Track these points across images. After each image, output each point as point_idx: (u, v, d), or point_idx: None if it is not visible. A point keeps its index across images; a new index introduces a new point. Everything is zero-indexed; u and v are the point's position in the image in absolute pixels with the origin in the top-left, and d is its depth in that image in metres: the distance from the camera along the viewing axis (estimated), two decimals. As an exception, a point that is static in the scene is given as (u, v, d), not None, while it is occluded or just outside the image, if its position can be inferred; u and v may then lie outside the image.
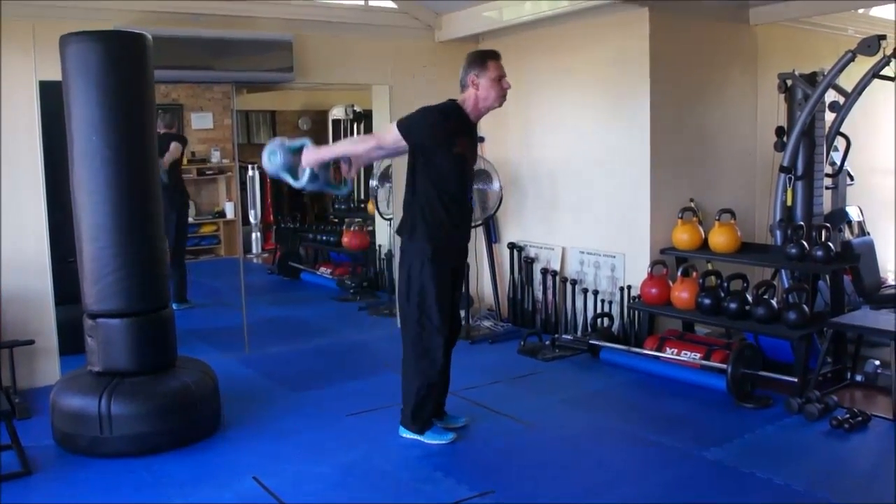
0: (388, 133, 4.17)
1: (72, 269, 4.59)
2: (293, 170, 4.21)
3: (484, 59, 4.21)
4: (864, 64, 5.65)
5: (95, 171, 4.28)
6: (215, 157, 10.11)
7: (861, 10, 7.23)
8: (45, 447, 4.37)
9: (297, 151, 4.19)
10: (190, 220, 8.29)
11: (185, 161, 8.43)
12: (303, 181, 4.22)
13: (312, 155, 4.16)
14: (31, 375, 5.36)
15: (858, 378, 5.25)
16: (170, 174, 7.48)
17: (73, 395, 4.31)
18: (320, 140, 10.19)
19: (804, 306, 5.07)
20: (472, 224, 6.65)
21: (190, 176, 9.34)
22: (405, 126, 4.10)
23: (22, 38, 5.23)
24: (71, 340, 5.27)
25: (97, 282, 4.35)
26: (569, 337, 6.29)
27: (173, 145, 7.63)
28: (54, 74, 4.51)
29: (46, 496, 3.84)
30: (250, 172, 8.96)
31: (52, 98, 4.92)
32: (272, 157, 4.19)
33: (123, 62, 4.31)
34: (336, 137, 10.01)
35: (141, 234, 4.42)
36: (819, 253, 5.27)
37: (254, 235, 9.46)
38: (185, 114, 9.81)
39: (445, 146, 4.14)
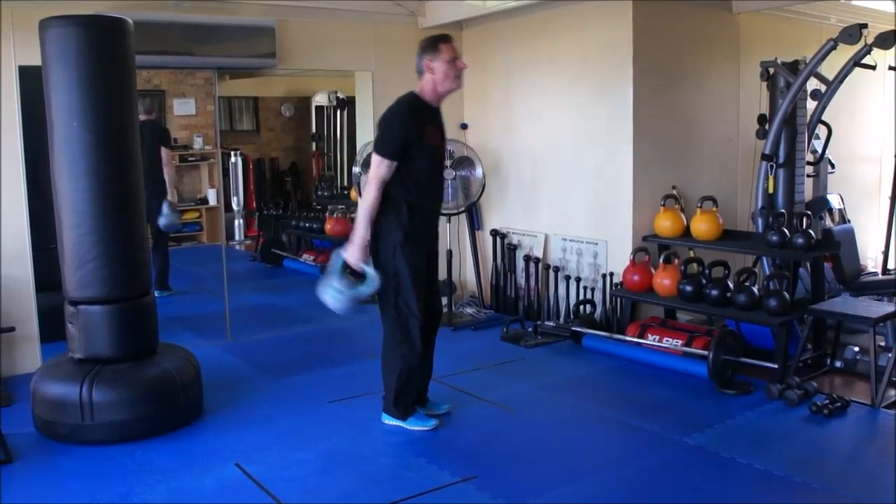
0: (378, 168, 4.11)
1: (52, 256, 4.56)
2: (358, 285, 4.11)
3: (436, 43, 4.22)
4: (845, 52, 5.67)
5: (76, 158, 4.25)
6: (198, 143, 10.03)
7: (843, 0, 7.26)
8: (26, 435, 4.35)
9: (344, 268, 4.11)
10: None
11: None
12: (375, 282, 4.13)
13: (354, 253, 4.10)
14: (11, 363, 5.33)
15: (838, 364, 5.30)
16: (150, 163, 7.43)
17: (54, 383, 4.29)
18: (303, 127, 10.21)
19: (785, 293, 5.11)
20: (456, 211, 6.72)
21: (172, 163, 9.27)
22: (384, 149, 4.11)
23: (0, 22, 5.17)
24: (52, 327, 5.24)
25: (78, 269, 4.33)
26: (551, 324, 6.31)
27: (165, 154, 7.66)
28: (34, 59, 4.46)
29: (27, 484, 3.82)
30: (233, 159, 8.93)
31: (31, 83, 4.88)
32: (337, 296, 4.10)
33: (104, 47, 4.28)
34: (319, 124, 9.98)
35: (122, 221, 4.39)
36: (800, 240, 5.30)
37: (236, 222, 9.42)
38: (167, 100, 9.74)
39: (418, 139, 4.16)
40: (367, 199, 4.11)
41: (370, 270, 4.11)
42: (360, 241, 4.11)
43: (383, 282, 4.23)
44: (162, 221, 7.47)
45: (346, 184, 9.10)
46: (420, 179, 4.19)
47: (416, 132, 4.15)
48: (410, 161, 4.15)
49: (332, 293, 4.11)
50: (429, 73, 4.21)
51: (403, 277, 4.20)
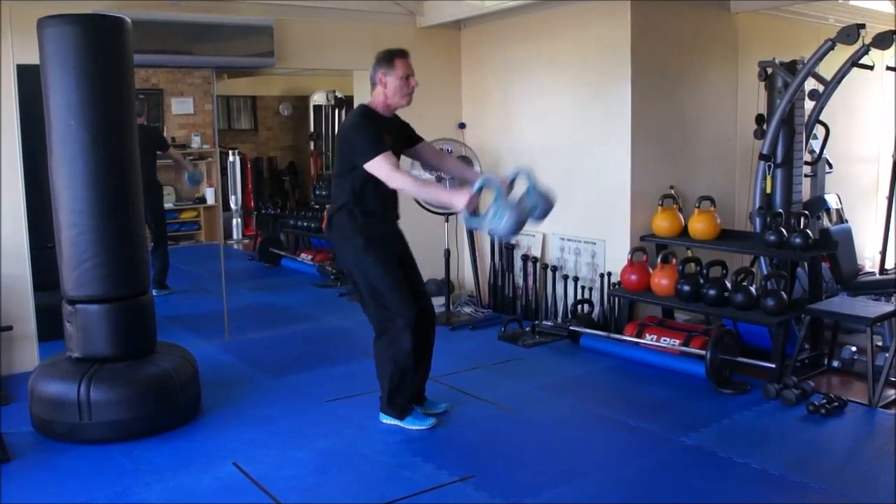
0: (382, 166, 4.05)
1: (50, 254, 4.55)
2: (489, 208, 3.93)
3: (391, 57, 4.23)
4: (843, 53, 5.68)
5: (74, 157, 4.24)
6: (196, 142, 10.03)
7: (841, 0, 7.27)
8: (24, 434, 4.35)
9: (471, 213, 3.99)
10: (170, 205, 8.25)
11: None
12: (487, 179, 4.02)
13: (458, 200, 3.96)
14: (9, 362, 5.32)
15: (835, 364, 5.30)
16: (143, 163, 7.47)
17: (51, 382, 4.29)
18: (302, 126, 10.20)
19: (782, 293, 5.11)
20: (454, 210, 6.71)
21: (170, 162, 9.28)
22: (372, 149, 4.07)
23: (-1, 21, 5.18)
24: (50, 326, 5.24)
25: (76, 267, 4.32)
26: (549, 323, 6.31)
27: (172, 151, 7.92)
28: (32, 58, 4.46)
29: (25, 483, 3.82)
30: (231, 158, 8.93)
31: (29, 82, 4.88)
32: (499, 215, 3.85)
33: (102, 46, 4.28)
34: (317, 123, 10.01)
35: (120, 220, 4.38)
36: (797, 240, 5.31)
37: (234, 221, 9.45)
38: (165, 98, 9.75)
39: None
40: (407, 184, 4.08)
41: (477, 184, 3.98)
42: (444, 194, 4.14)
43: (359, 292, 4.29)
44: (189, 181, 7.54)
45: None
46: (376, 187, 4.16)
47: (381, 136, 4.17)
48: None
49: (496, 223, 3.86)
50: (381, 86, 4.23)
51: (376, 279, 4.21)
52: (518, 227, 3.91)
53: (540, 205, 4.09)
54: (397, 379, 4.32)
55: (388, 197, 4.29)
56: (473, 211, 4.00)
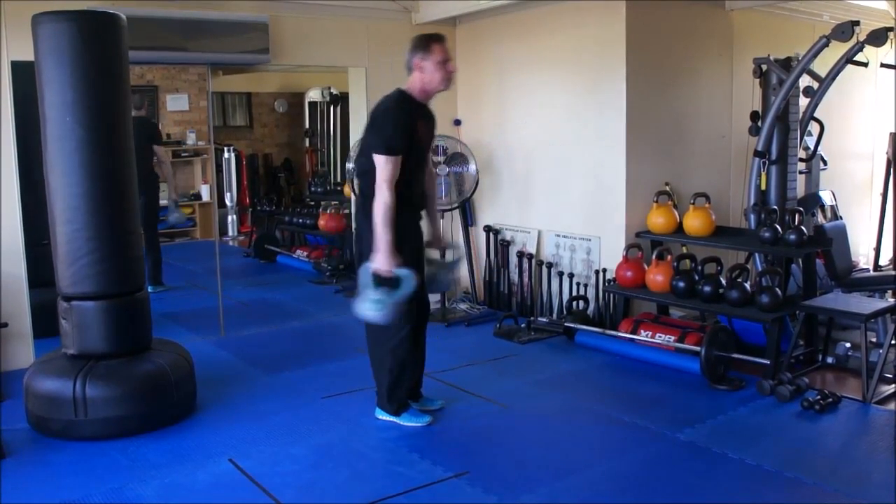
0: (386, 168, 4.01)
1: (46, 251, 4.56)
2: (394, 289, 3.99)
3: (428, 42, 4.16)
4: (838, 49, 5.69)
5: (69, 153, 4.23)
6: (191, 139, 10.02)
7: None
8: (19, 431, 4.34)
9: (376, 278, 4.02)
10: (163, 202, 8.23)
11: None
12: (411, 279, 4.02)
13: (384, 260, 3.99)
14: (4, 359, 5.31)
15: (829, 360, 5.32)
16: (140, 159, 7.47)
17: (47, 379, 4.28)
18: (297, 123, 10.18)
19: (777, 290, 5.13)
20: (449, 207, 6.73)
21: (168, 159, 9.28)
22: (390, 144, 4.02)
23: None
24: (45, 323, 5.22)
25: (71, 264, 4.32)
26: (544, 320, 6.32)
27: (160, 151, 7.74)
28: (26, 54, 4.45)
29: (21, 480, 3.82)
30: (226, 155, 8.92)
31: (24, 79, 4.87)
32: (378, 307, 3.98)
33: (97, 42, 4.26)
34: (312, 120, 10.00)
35: (115, 217, 4.37)
36: (792, 237, 5.32)
37: (230, 218, 9.43)
38: (160, 95, 9.73)
39: (412, 138, 4.12)
40: (382, 204, 3.99)
41: (403, 272, 4.01)
42: (385, 246, 3.98)
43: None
44: (170, 220, 7.54)
45: (339, 180, 9.10)
46: (407, 178, 4.13)
47: (412, 129, 4.11)
48: (404, 160, 4.08)
49: (372, 306, 4.00)
50: (418, 71, 4.16)
51: None
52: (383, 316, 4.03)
53: (409, 286, 4.07)
54: (397, 372, 4.31)
55: (418, 185, 4.28)
56: (377, 281, 4.03)
